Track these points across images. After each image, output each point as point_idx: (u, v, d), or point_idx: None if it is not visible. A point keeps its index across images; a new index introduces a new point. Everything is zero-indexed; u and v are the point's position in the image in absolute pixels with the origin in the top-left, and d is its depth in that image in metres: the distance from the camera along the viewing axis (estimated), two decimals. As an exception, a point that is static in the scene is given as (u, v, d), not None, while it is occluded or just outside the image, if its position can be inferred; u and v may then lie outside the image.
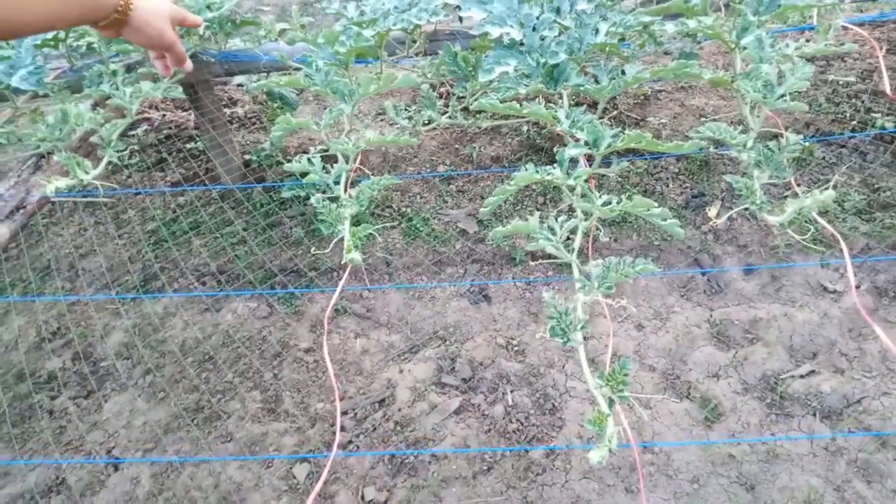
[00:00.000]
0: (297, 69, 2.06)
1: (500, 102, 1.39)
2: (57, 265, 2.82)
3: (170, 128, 3.15)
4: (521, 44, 1.65)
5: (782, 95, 1.41)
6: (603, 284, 1.05)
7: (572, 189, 1.30)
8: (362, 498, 1.90)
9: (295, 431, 2.12)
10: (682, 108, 2.81)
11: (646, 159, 2.67)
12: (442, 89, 2.70)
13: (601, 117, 1.42)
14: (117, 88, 1.78)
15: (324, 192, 1.49)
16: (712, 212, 2.49)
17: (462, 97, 1.67)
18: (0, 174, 3.05)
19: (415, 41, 2.11)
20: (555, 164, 1.32)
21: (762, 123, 1.48)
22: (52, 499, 2.05)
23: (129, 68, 1.99)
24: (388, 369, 2.28)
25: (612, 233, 2.50)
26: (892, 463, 1.81)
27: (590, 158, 1.39)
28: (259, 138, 3.01)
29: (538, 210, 2.62)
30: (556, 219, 1.24)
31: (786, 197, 2.49)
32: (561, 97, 1.57)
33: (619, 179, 2.61)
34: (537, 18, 1.68)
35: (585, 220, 1.23)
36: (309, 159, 1.42)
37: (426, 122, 1.65)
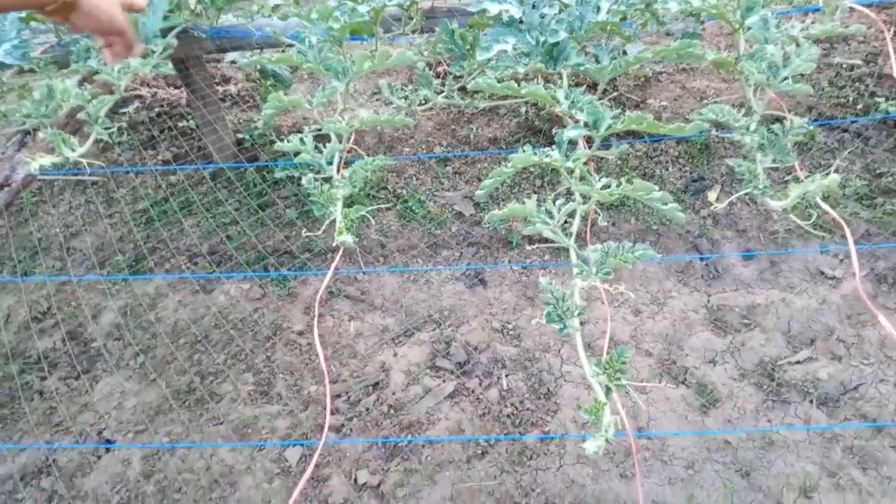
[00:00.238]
0: (291, 45, 2.02)
1: (498, 82, 1.35)
2: (46, 244, 2.78)
3: (161, 105, 3.09)
4: (521, 21, 1.60)
5: (787, 78, 1.38)
6: (601, 270, 1.02)
7: (571, 172, 1.27)
8: (355, 481, 1.89)
9: (287, 414, 2.10)
10: (683, 91, 2.76)
11: (645, 142, 2.63)
12: (439, 68, 2.65)
13: (601, 98, 1.39)
14: (105, 64, 1.73)
15: (317, 172, 1.46)
16: (712, 196, 2.46)
17: (459, 76, 1.62)
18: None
19: (411, 18, 2.06)
20: (553, 146, 1.28)
21: (766, 106, 1.44)
22: (42, 480, 2.03)
23: (118, 43, 1.93)
24: (382, 352, 2.26)
25: (609, 217, 2.47)
26: (887, 450, 1.80)
27: (589, 140, 1.36)
28: (252, 117, 2.96)
29: (535, 193, 2.59)
30: (553, 202, 1.21)
31: (786, 182, 2.46)
32: (560, 77, 1.53)
33: (618, 162, 2.57)
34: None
35: (584, 203, 1.20)
36: (301, 139, 1.38)
37: (422, 101, 1.61)
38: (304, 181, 1.29)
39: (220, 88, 2.99)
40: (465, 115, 2.92)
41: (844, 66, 2.71)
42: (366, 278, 2.51)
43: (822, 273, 2.29)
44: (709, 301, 2.27)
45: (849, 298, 2.19)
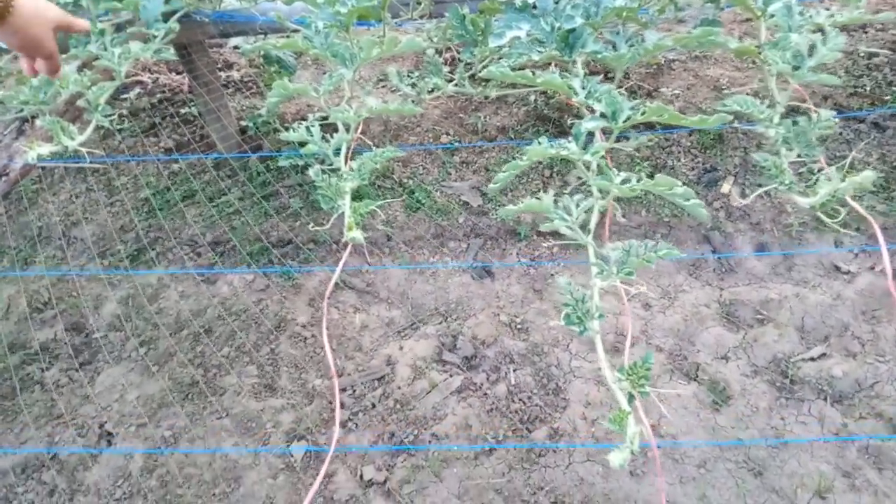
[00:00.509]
0: (296, 31, 1.96)
1: (512, 70, 1.30)
2: (46, 233, 2.74)
3: (163, 91, 3.04)
4: (534, 7, 1.55)
5: (814, 67, 1.32)
6: (623, 270, 0.98)
7: (587, 165, 1.22)
8: (361, 478, 1.86)
9: (292, 408, 2.07)
10: (696, 79, 2.70)
11: (657, 132, 2.58)
12: (447, 55, 2.59)
13: (618, 88, 1.33)
14: (105, 49, 1.68)
15: (322, 162, 1.41)
16: (725, 187, 2.41)
17: (470, 64, 1.57)
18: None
19: (419, 2, 2.00)
20: (569, 138, 1.23)
21: (789, 97, 1.39)
22: (44, 473, 2.01)
23: (119, 28, 1.88)
24: (388, 346, 2.22)
25: (619, 208, 2.41)
26: (904, 450, 1.76)
27: (605, 132, 1.31)
28: (256, 104, 2.90)
29: (544, 183, 2.54)
30: (570, 197, 1.16)
31: (801, 174, 2.40)
32: (574, 65, 1.48)
33: (629, 153, 2.52)
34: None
35: (602, 198, 1.15)
36: (308, 128, 1.33)
37: (431, 89, 1.55)
38: (311, 173, 1.25)
39: (222, 74, 2.94)
40: (472, 103, 2.86)
41: (862, 54, 2.64)
42: (371, 269, 2.47)
43: (837, 268, 2.25)
44: (721, 295, 2.23)
45: (863, 294, 2.15)
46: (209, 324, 2.34)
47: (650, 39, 1.41)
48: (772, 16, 1.47)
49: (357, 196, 1.32)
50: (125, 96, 3.07)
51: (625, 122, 1.24)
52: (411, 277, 2.42)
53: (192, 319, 2.36)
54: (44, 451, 2.04)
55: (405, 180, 2.67)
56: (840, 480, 1.72)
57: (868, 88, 2.59)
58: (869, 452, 1.78)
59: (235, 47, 2.87)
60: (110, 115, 1.51)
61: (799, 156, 1.25)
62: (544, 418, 1.96)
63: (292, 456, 1.95)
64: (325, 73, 3.12)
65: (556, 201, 1.11)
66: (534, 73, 1.30)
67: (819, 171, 1.20)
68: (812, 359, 2.02)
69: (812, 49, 1.35)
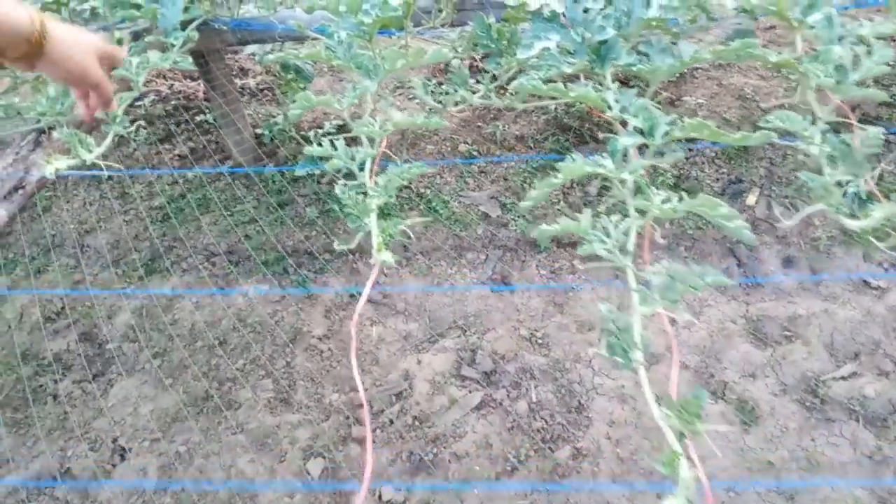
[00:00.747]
0: (315, 39, 1.92)
1: (544, 83, 1.25)
2: (60, 241, 2.71)
3: (178, 98, 3.01)
4: (563, 17, 1.50)
5: (858, 81, 1.27)
6: (667, 297, 0.93)
7: (623, 182, 1.17)
8: (379, 498, 1.81)
9: (308, 424, 2.03)
10: (720, 88, 2.65)
11: (680, 142, 2.52)
12: (469, 62, 2.55)
13: (652, 100, 1.29)
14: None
15: (346, 175, 1.37)
16: (751, 199, 2.36)
17: (496, 75, 1.53)
18: None
19: (440, 10, 1.96)
20: (602, 153, 1.19)
21: (831, 112, 1.34)
22: (57, 488, 1.97)
23: (136, 36, 1.85)
24: (406, 360, 2.18)
25: (657, 229, 2.36)
26: (943, 475, 1.70)
27: (639, 147, 1.26)
28: (271, 111, 2.87)
29: (564, 193, 2.49)
30: (608, 217, 1.12)
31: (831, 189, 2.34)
32: (604, 77, 1.43)
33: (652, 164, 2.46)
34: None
35: (640, 218, 1.10)
36: (332, 142, 1.29)
37: (456, 101, 1.51)
38: (337, 190, 1.20)
39: (237, 81, 2.91)
40: (490, 112, 2.82)
41: (891, 63, 2.58)
42: (387, 281, 2.42)
43: (866, 283, 2.19)
44: (747, 311, 2.17)
45: (894, 310, 2.09)
46: (224, 335, 2.31)
47: (686, 51, 1.36)
48: (812, 27, 1.42)
49: (385, 215, 1.28)
50: (139, 103, 3.04)
51: (662, 137, 1.19)
52: (427, 291, 2.38)
53: (207, 331, 2.32)
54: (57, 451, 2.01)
55: (423, 190, 2.63)
56: (876, 506, 1.67)
57: (897, 98, 2.53)
58: (905, 477, 1.72)
59: (252, 54, 2.84)
60: (128, 128, 1.47)
61: (845, 174, 1.20)
62: (567, 437, 1.91)
63: (309, 474, 1.90)
64: (340, 81, 3.09)
65: (594, 222, 1.06)
66: (566, 87, 1.26)
67: (865, 191, 1.15)
68: (843, 378, 1.96)
69: (856, 62, 1.30)
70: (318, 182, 2.63)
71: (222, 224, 2.61)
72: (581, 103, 2.60)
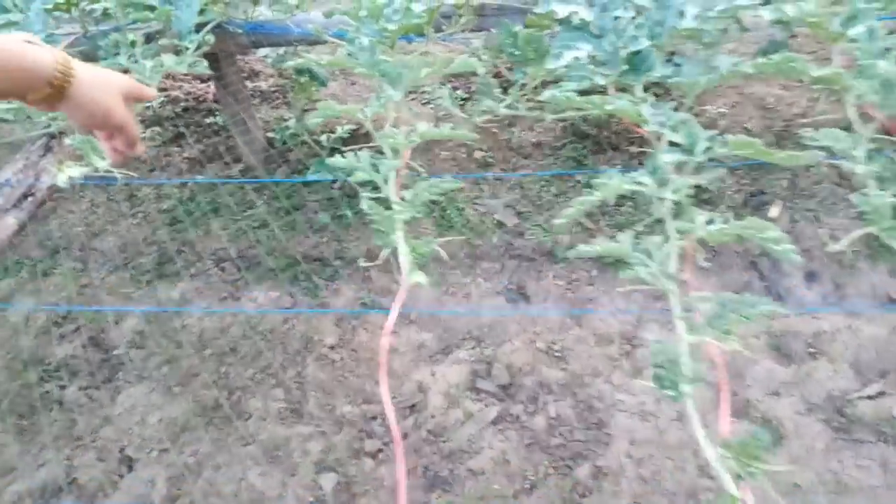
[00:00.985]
0: (331, 42, 1.88)
1: (579, 95, 1.21)
2: (66, 243, 2.67)
3: (187, 100, 2.97)
4: (592, 25, 1.46)
5: (906, 98, 1.22)
6: (717, 326, 0.88)
7: (662, 201, 1.12)
8: (394, 515, 1.77)
9: (320, 436, 1.98)
10: (741, 97, 2.60)
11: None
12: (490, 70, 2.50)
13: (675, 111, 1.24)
14: (136, 61, 1.60)
15: (365, 183, 1.32)
16: (774, 212, 2.31)
17: (523, 84, 1.48)
18: (4, 154, 2.89)
19: (460, 15, 1.91)
20: (640, 170, 1.14)
21: (875, 130, 1.29)
22: (63, 498, 1.93)
23: (149, 38, 1.80)
24: (419, 371, 2.13)
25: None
26: (976, 502, 1.66)
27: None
28: (283, 114, 2.82)
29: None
30: (641, 236, 1.07)
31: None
32: (636, 89, 1.38)
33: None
34: (607, -4, 1.49)
35: (682, 240, 1.06)
36: (356, 154, 1.25)
37: (483, 111, 1.47)
38: (364, 205, 1.16)
39: (248, 84, 2.86)
40: (505, 117, 2.77)
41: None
42: (398, 289, 2.37)
43: (892, 299, 2.14)
44: (770, 326, 2.12)
45: (922, 327, 2.04)
46: (233, 343, 2.26)
47: (723, 63, 1.31)
48: (854, 40, 1.37)
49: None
50: (148, 105, 2.99)
51: (703, 154, 1.14)
52: (442, 299, 2.33)
53: (216, 338, 2.27)
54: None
55: (436, 197, 2.58)
56: (907, 533, 1.62)
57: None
58: (937, 502, 1.67)
59: (265, 56, 2.80)
60: (143, 134, 1.43)
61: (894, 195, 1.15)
62: (587, 455, 1.86)
63: (322, 488, 1.86)
64: (352, 84, 3.05)
65: (635, 243, 1.01)
66: (602, 100, 1.21)
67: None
68: (869, 397, 1.91)
69: (902, 77, 1.25)
70: (330, 187, 2.58)
71: (232, 228, 2.56)
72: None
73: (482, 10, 1.96)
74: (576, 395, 2.00)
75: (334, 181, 2.54)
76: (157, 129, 2.86)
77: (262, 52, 2.75)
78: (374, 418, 2.01)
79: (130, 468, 1.98)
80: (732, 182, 2.43)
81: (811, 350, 2.04)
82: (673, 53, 1.50)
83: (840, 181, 2.34)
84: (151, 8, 1.66)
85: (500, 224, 2.44)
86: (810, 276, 2.23)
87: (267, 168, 2.58)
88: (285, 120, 2.71)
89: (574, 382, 2.03)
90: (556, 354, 2.12)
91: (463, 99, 2.74)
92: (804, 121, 2.38)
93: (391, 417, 0.91)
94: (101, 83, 0.81)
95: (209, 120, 2.85)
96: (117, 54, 1.64)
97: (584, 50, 1.40)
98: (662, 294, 1.89)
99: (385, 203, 1.22)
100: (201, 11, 1.67)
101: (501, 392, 2.04)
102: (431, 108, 2.80)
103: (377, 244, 1.15)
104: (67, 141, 1.30)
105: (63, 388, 2.22)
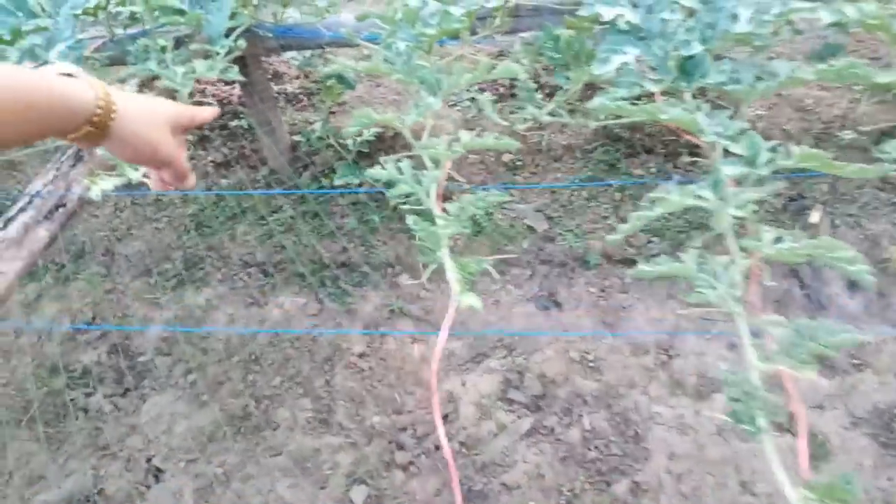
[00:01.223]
0: (359, 46, 1.84)
1: (631, 104, 1.15)
2: (91, 248, 2.65)
3: (213, 103, 2.94)
4: (639, 28, 1.40)
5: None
6: (794, 355, 0.83)
7: (722, 216, 1.06)
8: (428, 531, 1.73)
9: (350, 447, 1.94)
10: (778, 98, 2.52)
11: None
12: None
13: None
14: (167, 67, 1.56)
15: (408, 198, 1.28)
16: (814, 217, 2.23)
17: (566, 90, 1.43)
18: (35, 165, 2.87)
19: (494, 17, 1.86)
20: (698, 182, 1.09)
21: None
22: (90, 509, 1.91)
23: (178, 43, 1.77)
24: (450, 380, 2.09)
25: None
26: None
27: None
28: (308, 117, 2.78)
29: (615, 206, 2.38)
30: (704, 255, 1.02)
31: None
32: (686, 95, 1.32)
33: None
34: (652, -3, 1.43)
35: (747, 258, 1.00)
36: (398, 166, 1.20)
37: (525, 118, 1.41)
38: (409, 222, 1.11)
39: (274, 86, 2.82)
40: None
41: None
42: (429, 295, 2.33)
43: (939, 308, 2.06)
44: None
45: (971, 338, 1.96)
46: (260, 350, 2.23)
47: (781, 69, 1.25)
48: (917, 43, 1.31)
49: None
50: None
51: (765, 166, 1.09)
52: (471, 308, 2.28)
53: (243, 345, 2.24)
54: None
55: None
56: (963, 556, 1.55)
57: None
58: None
59: (293, 58, 2.76)
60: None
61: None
62: (624, 470, 1.81)
63: (352, 501, 1.82)
64: (377, 87, 3.00)
65: (701, 264, 0.96)
66: (655, 108, 1.15)
67: None
68: (919, 411, 1.85)
69: (972, 83, 1.19)
70: (356, 191, 2.54)
71: (258, 232, 2.53)
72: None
73: (517, 11, 1.90)
74: (611, 407, 1.95)
75: (360, 184, 2.49)
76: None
77: (288, 54, 2.71)
78: (404, 429, 1.96)
79: (158, 478, 1.95)
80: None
81: (855, 361, 1.97)
82: (719, 57, 1.44)
83: (883, 186, 2.26)
84: (181, 12, 1.63)
85: (531, 229, 2.39)
86: (853, 285, 2.15)
87: (292, 171, 2.55)
88: (310, 123, 2.67)
89: (609, 394, 1.98)
90: (590, 364, 2.06)
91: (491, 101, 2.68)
92: (822, 110, 2.30)
93: (447, 453, 0.87)
94: (146, 116, 0.74)
95: (234, 123, 2.82)
96: (147, 59, 1.61)
97: (631, 54, 1.34)
98: (699, 304, 1.82)
99: (427, 216, 1.18)
100: (232, 16, 1.63)
101: (534, 403, 1.99)
102: (458, 111, 2.75)
103: (422, 261, 1.11)
104: (99, 151, 1.27)
105: (89, 395, 2.20)
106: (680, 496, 1.73)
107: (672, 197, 1.02)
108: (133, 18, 1.82)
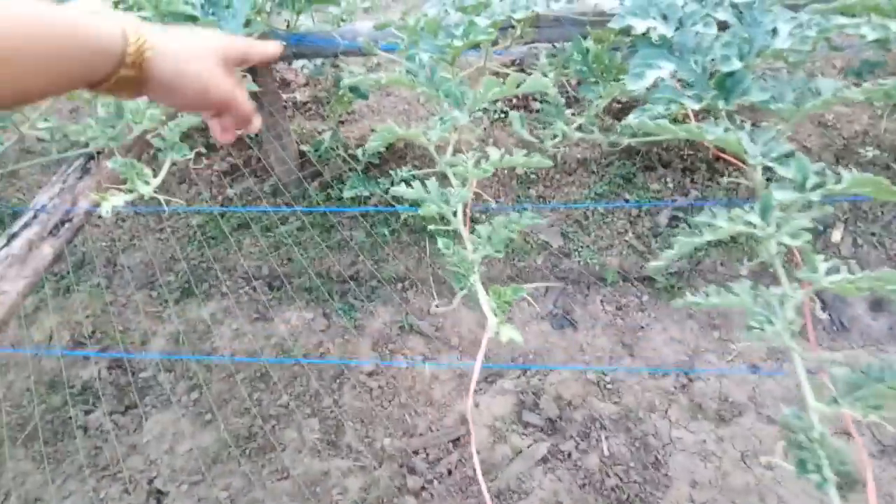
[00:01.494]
0: (366, 54, 1.78)
1: (673, 123, 1.09)
2: (90, 259, 2.58)
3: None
4: (671, 42, 1.34)
5: None
6: (862, 399, 0.77)
7: (770, 243, 1.01)
8: (442, 562, 1.66)
9: (360, 471, 1.87)
10: (798, 114, 2.47)
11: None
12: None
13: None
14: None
15: (441, 220, 1.21)
16: (836, 235, 2.18)
17: (596, 104, 1.37)
18: (40, 177, 2.80)
19: (514, 27, 1.80)
20: (746, 206, 1.03)
21: None
22: (88, 532, 1.83)
23: (189, 50, 1.70)
24: (462, 401, 2.02)
25: (721, 254, 2.19)
26: None
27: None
28: (316, 126, 2.72)
29: (631, 222, 2.32)
30: (757, 287, 0.96)
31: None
32: (722, 113, 1.27)
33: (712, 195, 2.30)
34: (682, 9, 1.38)
35: (800, 290, 0.94)
36: (423, 183, 1.14)
37: (555, 135, 1.36)
38: (441, 244, 1.05)
39: (282, 95, 2.76)
40: (546, 129, 2.65)
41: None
42: (439, 311, 2.27)
43: (965, 331, 2.01)
44: (836, 359, 1.99)
45: None
46: (266, 367, 2.16)
47: (825, 88, 1.19)
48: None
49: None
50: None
51: (814, 190, 1.03)
52: (483, 322, 2.21)
53: (247, 362, 2.17)
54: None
55: (476, 214, 2.47)
56: None
57: None
58: None
59: (302, 67, 2.70)
60: (186, 156, 1.33)
61: None
62: (645, 498, 1.74)
63: (362, 529, 1.75)
64: (388, 96, 2.94)
65: (755, 296, 0.90)
66: (698, 128, 1.10)
67: None
68: (948, 439, 1.79)
69: None
70: (364, 204, 2.47)
71: (264, 245, 2.46)
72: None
73: (537, 21, 1.85)
74: (630, 431, 1.89)
75: (368, 198, 2.43)
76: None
77: (298, 62, 2.65)
78: (416, 453, 1.90)
79: (159, 501, 1.88)
80: (790, 204, 2.30)
81: (882, 386, 1.91)
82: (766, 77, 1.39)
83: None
84: (194, 18, 1.56)
85: (546, 244, 2.33)
86: (875, 306, 2.10)
87: (299, 183, 2.48)
88: (319, 132, 2.61)
89: (628, 417, 1.92)
90: (608, 386, 2.00)
91: (502, 112, 2.63)
92: (843, 126, 2.26)
93: (485, 492, 0.80)
94: (189, 51, 0.61)
95: (240, 131, 2.76)
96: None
97: (666, 69, 1.29)
98: (718, 323, 1.76)
99: (453, 238, 1.12)
100: (247, 23, 1.57)
101: (550, 426, 1.93)
102: (472, 120, 2.68)
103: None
104: (109, 164, 1.20)
105: (88, 412, 2.12)
106: (704, 527, 1.67)
107: (721, 223, 0.96)
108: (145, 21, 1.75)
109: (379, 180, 2.40)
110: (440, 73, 1.36)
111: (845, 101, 1.17)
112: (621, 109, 2.49)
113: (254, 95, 2.30)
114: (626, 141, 1.35)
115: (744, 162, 1.18)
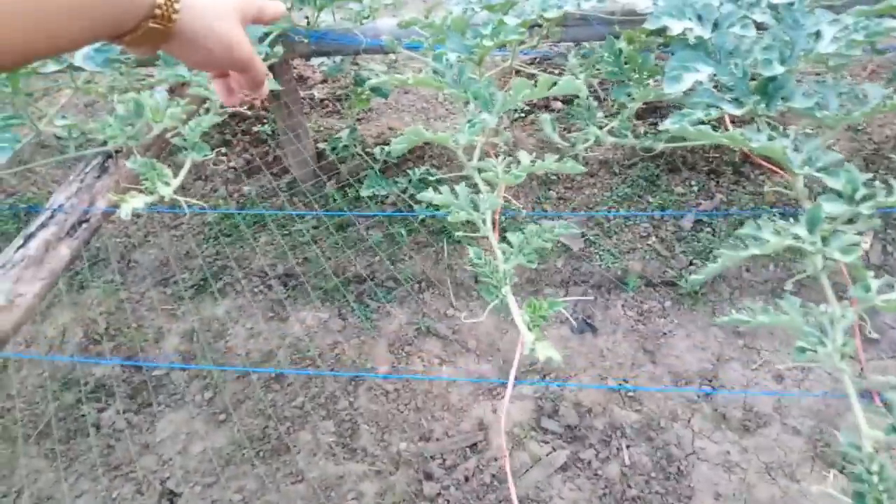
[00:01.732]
0: (386, 52, 1.74)
1: (714, 129, 1.05)
2: (105, 255, 2.56)
3: (233, 107, 2.84)
4: (707, 44, 1.30)
5: None
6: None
7: (816, 257, 0.96)
8: (460, 572, 1.63)
9: (375, 476, 1.84)
10: (826, 117, 2.42)
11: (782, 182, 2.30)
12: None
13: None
14: (198, 73, 1.47)
15: (468, 224, 1.18)
16: (865, 244, 2.13)
17: (628, 107, 1.33)
18: (57, 176, 2.78)
19: (540, 25, 1.76)
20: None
21: None
22: (101, 533, 1.81)
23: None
24: (479, 406, 1.99)
25: (747, 259, 2.14)
26: None
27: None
28: (334, 124, 2.68)
29: (654, 227, 2.27)
30: (806, 305, 0.91)
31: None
32: (761, 120, 1.22)
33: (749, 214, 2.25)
34: (718, 10, 1.34)
35: (848, 306, 0.90)
36: (452, 189, 1.10)
37: (587, 139, 1.31)
38: (472, 254, 1.01)
39: (300, 92, 2.73)
40: (569, 130, 2.61)
41: None
42: (457, 313, 2.23)
43: None
44: (862, 370, 1.94)
45: None
46: (280, 367, 2.13)
47: (874, 94, 1.15)
48: None
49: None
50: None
51: (864, 203, 0.99)
52: (501, 326, 2.18)
53: (263, 361, 2.15)
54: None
55: (495, 216, 2.43)
56: None
57: None
58: None
59: (321, 64, 2.66)
60: (207, 156, 1.30)
61: None
62: (668, 510, 1.70)
63: (378, 536, 1.72)
64: (406, 94, 2.90)
65: (806, 315, 0.86)
66: (742, 134, 1.05)
67: None
68: (981, 455, 1.74)
69: None
70: (381, 203, 2.44)
71: (280, 243, 2.43)
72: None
73: (564, 19, 1.80)
74: (652, 440, 1.85)
75: (385, 198, 2.40)
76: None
77: (315, 59, 2.62)
78: (432, 458, 1.86)
79: (172, 502, 1.85)
80: (818, 209, 2.25)
81: (911, 399, 1.86)
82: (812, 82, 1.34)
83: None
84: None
85: (565, 248, 2.29)
86: (905, 316, 2.05)
87: (316, 179, 2.45)
88: (336, 130, 2.57)
89: (649, 426, 1.88)
90: (629, 394, 1.96)
91: (523, 112, 2.58)
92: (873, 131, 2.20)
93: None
94: (217, 9, 0.60)
95: (257, 128, 2.72)
96: (177, 64, 1.51)
97: (704, 72, 1.24)
98: (743, 330, 1.70)
99: (481, 245, 1.08)
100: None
101: (569, 433, 1.89)
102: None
103: (489, 298, 1.00)
104: (128, 164, 1.17)
105: (101, 410, 2.10)
106: (729, 541, 1.63)
107: (767, 236, 0.91)
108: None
109: (397, 179, 2.36)
110: (468, 74, 1.32)
111: (893, 108, 1.12)
112: (645, 110, 2.44)
113: (272, 92, 2.27)
114: (660, 146, 1.31)
115: (782, 169, 1.14)
